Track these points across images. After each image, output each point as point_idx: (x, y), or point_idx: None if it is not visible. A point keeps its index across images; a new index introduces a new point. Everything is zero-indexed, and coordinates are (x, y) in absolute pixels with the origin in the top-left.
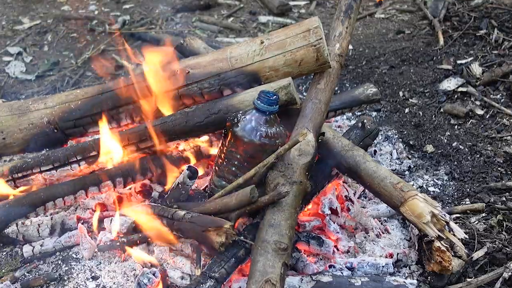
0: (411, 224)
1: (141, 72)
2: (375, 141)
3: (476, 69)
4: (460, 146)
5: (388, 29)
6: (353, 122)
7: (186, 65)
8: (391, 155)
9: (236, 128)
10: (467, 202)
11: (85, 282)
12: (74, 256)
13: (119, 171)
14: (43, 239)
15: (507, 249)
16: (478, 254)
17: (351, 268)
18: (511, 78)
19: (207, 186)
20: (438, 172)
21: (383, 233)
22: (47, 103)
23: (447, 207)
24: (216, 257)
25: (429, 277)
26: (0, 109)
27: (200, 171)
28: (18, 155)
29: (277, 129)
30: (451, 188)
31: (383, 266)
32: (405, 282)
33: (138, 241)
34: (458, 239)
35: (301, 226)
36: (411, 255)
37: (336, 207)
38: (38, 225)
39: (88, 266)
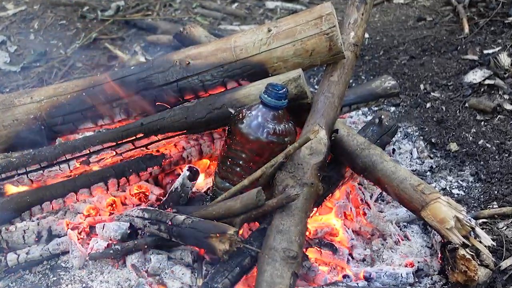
0: (433, 230)
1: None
2: (393, 139)
3: (505, 59)
4: (487, 144)
5: (408, 15)
6: (369, 118)
7: (186, 55)
8: (411, 154)
9: (241, 124)
10: (494, 206)
11: None
12: (63, 265)
13: (112, 171)
14: (29, 246)
15: None
16: (506, 263)
17: (367, 279)
18: None
19: (209, 188)
20: (462, 172)
21: (402, 239)
22: (34, 97)
23: (473, 211)
24: (219, 266)
25: None
26: None
27: (201, 172)
28: (1, 154)
29: (286, 125)
30: (477, 190)
31: (402, 276)
32: None
33: (133, 249)
34: (485, 246)
35: (312, 232)
36: (433, 264)
37: (351, 212)
38: (24, 231)
39: (79, 276)
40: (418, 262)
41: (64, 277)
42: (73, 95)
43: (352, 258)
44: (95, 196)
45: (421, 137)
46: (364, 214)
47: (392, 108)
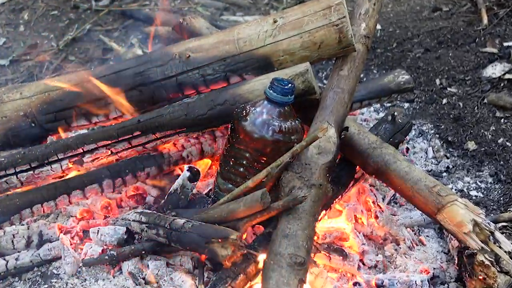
0: (449, 235)
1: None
2: (407, 137)
3: None
4: (507, 143)
5: (423, 5)
6: (381, 115)
7: (186, 48)
8: (426, 153)
9: (245, 122)
10: None
11: None
12: (55, 271)
13: (107, 172)
14: (18, 252)
15: None
16: None
17: (379, 286)
18: None
19: (210, 190)
20: (481, 173)
21: (416, 244)
22: (24, 93)
23: (492, 215)
24: (221, 273)
25: None
26: None
27: (203, 173)
28: None
29: (293, 123)
30: (496, 192)
31: (417, 284)
32: None
33: (130, 254)
34: (505, 251)
35: (320, 236)
36: (449, 271)
37: (362, 215)
38: (13, 235)
39: (71, 284)
40: (434, 268)
41: (56, 285)
42: (66, 90)
43: (363, 264)
44: (89, 198)
45: (437, 135)
46: (376, 217)
47: (406, 104)
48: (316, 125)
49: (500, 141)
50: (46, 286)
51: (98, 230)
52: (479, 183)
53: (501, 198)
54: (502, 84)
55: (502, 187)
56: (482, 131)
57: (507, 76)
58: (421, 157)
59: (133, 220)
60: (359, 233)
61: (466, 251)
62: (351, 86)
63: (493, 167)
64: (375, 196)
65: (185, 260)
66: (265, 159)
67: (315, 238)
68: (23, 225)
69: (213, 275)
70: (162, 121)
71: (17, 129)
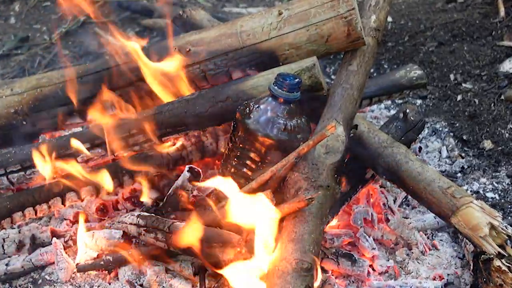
0: (464, 239)
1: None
2: (420, 135)
3: None
4: None
5: None
6: (393, 112)
7: (186, 41)
8: (440, 153)
9: (248, 120)
10: None
11: None
12: (48, 278)
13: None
14: (9, 257)
15: None
16: None
17: None
18: None
19: (212, 191)
20: (498, 174)
21: (430, 249)
22: (14, 89)
23: (510, 217)
24: (223, 279)
25: None
26: None
27: (203, 173)
28: None
29: (299, 121)
30: None
31: None
32: None
33: (126, 260)
34: None
35: (328, 241)
36: (464, 277)
37: (372, 218)
38: (3, 239)
39: None
40: (448, 274)
41: None
42: (59, 86)
43: (374, 270)
44: (83, 200)
45: (451, 134)
46: (387, 220)
47: (419, 101)
48: (324, 123)
49: None
50: None
51: (93, 234)
52: (496, 184)
53: None
54: None
55: None
56: (499, 129)
57: None
58: (435, 156)
59: (130, 223)
60: (369, 237)
61: (482, 256)
62: (361, 82)
63: (510, 167)
64: (386, 198)
65: (185, 266)
66: (269, 159)
67: (323, 242)
68: (14, 228)
69: (215, 281)
70: (161, 119)
71: (7, 127)
